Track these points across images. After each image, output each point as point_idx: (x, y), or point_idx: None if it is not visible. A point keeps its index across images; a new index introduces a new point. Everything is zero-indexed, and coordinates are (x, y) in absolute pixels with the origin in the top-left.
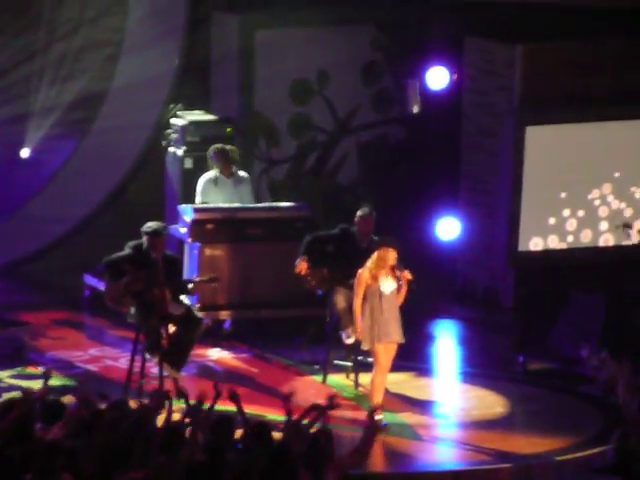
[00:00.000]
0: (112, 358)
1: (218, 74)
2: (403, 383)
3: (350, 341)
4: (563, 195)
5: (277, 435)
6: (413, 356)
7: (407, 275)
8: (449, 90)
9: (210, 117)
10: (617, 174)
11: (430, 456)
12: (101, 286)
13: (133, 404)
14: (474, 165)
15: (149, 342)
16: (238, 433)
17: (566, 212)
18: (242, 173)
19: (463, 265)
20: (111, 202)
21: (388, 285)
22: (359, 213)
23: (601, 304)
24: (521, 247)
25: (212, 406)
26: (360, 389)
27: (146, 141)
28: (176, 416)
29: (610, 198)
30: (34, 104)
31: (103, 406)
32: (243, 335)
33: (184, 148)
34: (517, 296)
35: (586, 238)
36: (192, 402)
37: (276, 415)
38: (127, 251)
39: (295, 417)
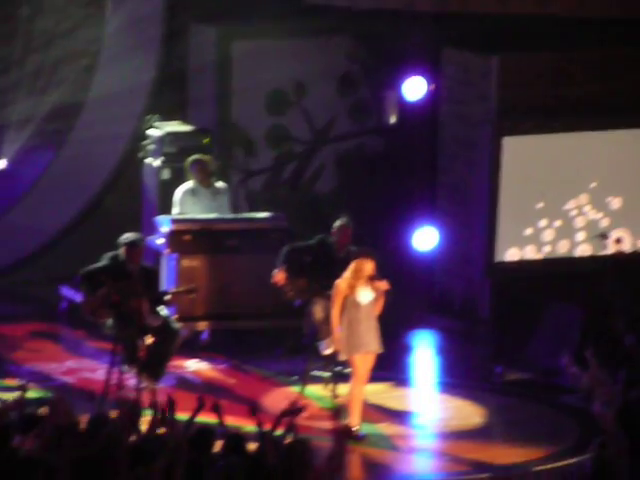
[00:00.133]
0: (89, 370)
1: (195, 85)
2: (381, 393)
3: (328, 352)
4: (540, 205)
5: (253, 446)
6: (391, 366)
7: (384, 285)
8: (426, 101)
9: (187, 128)
10: (593, 184)
11: (408, 467)
12: (78, 297)
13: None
14: (451, 175)
15: (127, 354)
16: (218, 445)
17: (543, 222)
18: (220, 184)
19: (440, 275)
20: (88, 213)
21: (365, 295)
22: (336, 224)
23: (578, 314)
24: (498, 257)
25: (193, 417)
26: (338, 400)
27: (123, 152)
28: (152, 427)
29: (587, 208)
30: (11, 115)
31: (80, 418)
32: (221, 346)
33: (161, 159)
34: (494, 306)
35: (563, 248)
36: (171, 414)
37: (254, 426)
38: (104, 262)
39: (267, 427)
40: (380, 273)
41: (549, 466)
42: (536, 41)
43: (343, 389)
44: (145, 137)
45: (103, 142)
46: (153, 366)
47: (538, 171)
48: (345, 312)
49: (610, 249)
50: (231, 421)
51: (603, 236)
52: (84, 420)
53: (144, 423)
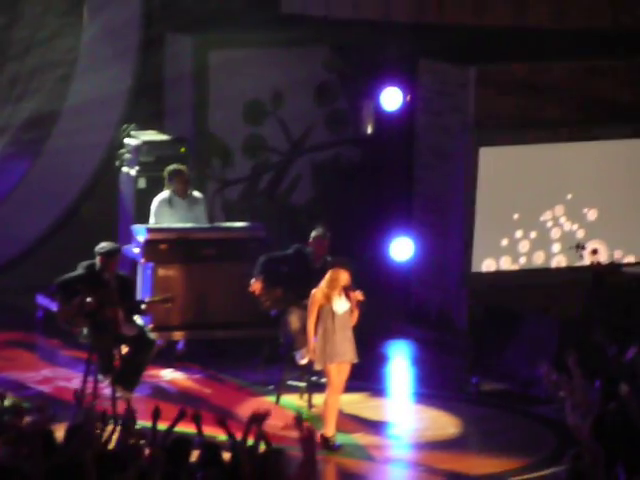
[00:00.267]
0: (65, 379)
1: (172, 94)
2: (357, 403)
3: (304, 361)
4: (516, 216)
5: (227, 456)
6: (367, 376)
7: (358, 296)
8: (403, 111)
9: (164, 137)
10: (569, 196)
11: (383, 477)
12: (54, 306)
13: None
14: (428, 186)
15: (102, 363)
16: (194, 455)
17: (519, 233)
18: (197, 194)
19: (416, 285)
20: (65, 222)
21: (341, 305)
22: (313, 234)
23: (554, 325)
24: (474, 268)
25: (172, 427)
26: (314, 410)
27: (99, 161)
28: (121, 437)
29: (562, 220)
30: None
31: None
32: (196, 356)
33: (137, 168)
34: (470, 317)
35: (538, 260)
36: (146, 424)
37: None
38: (80, 271)
39: (239, 436)
40: (356, 283)
41: (524, 477)
42: (513, 52)
43: (319, 399)
44: (122, 146)
45: (80, 151)
46: (128, 375)
47: (514, 182)
48: (320, 322)
49: (586, 260)
50: (206, 431)
51: (579, 247)
52: (60, 429)
53: (115, 433)
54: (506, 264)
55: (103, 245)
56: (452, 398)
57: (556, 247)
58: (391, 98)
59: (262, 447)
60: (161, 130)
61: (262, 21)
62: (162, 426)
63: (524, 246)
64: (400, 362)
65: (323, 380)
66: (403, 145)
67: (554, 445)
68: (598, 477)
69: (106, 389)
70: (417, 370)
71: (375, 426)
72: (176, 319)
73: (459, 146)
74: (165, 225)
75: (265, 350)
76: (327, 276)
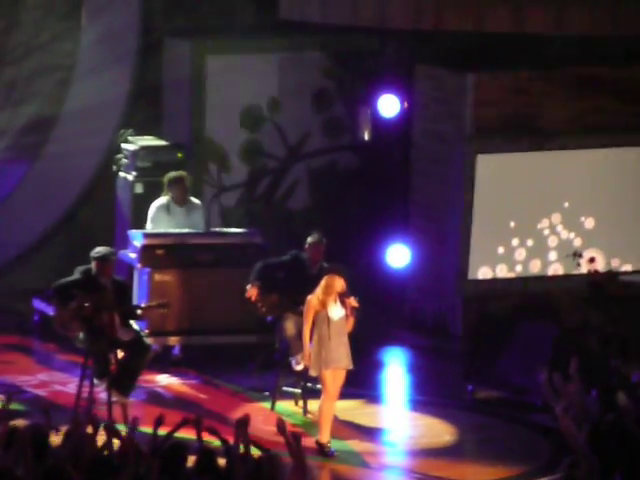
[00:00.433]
0: (61, 383)
1: (169, 99)
2: (352, 410)
3: (299, 367)
4: (512, 224)
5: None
6: (362, 383)
7: (352, 302)
8: (400, 118)
9: (161, 142)
10: (566, 204)
11: None
12: (50, 311)
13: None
14: (424, 193)
15: (98, 367)
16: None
17: (515, 241)
18: (195, 200)
19: (413, 292)
20: (62, 226)
21: (336, 311)
22: (309, 240)
23: (550, 332)
24: (470, 275)
25: (172, 433)
26: (309, 416)
27: (97, 166)
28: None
29: (559, 228)
30: None
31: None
32: (192, 361)
33: (135, 173)
34: (466, 324)
35: (535, 268)
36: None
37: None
38: (76, 276)
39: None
40: (352, 290)
41: None
42: (511, 59)
43: (314, 405)
44: (119, 151)
45: (77, 155)
46: (124, 380)
47: (511, 190)
48: (316, 328)
49: (583, 268)
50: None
51: (577, 255)
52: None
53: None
54: (502, 272)
55: (98, 250)
56: (447, 405)
57: (553, 255)
58: (388, 104)
59: (254, 452)
60: (159, 135)
61: (260, 27)
62: (161, 432)
63: (520, 254)
64: (396, 369)
65: (318, 386)
66: (400, 152)
67: (549, 453)
68: None
69: (102, 393)
70: (413, 377)
71: (370, 433)
72: (172, 324)
73: (456, 153)
74: (162, 230)
75: (260, 356)
76: (322, 282)
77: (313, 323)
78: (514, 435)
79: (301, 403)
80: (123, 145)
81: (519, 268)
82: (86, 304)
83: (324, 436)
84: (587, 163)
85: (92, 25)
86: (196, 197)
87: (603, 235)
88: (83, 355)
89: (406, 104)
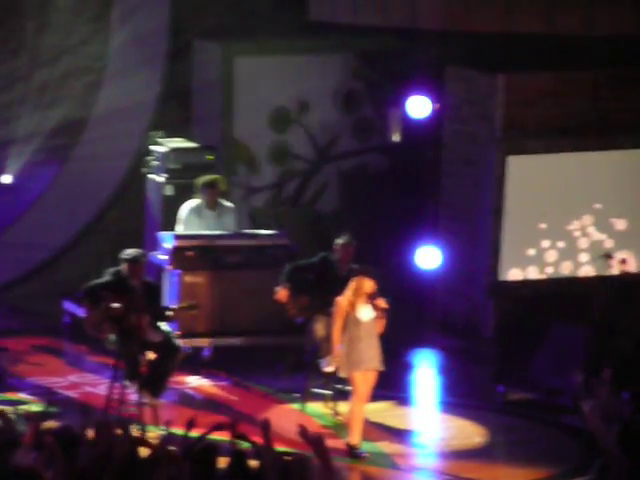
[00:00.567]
0: (91, 385)
1: (199, 101)
2: (382, 412)
3: (329, 369)
4: (543, 226)
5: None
6: (393, 385)
7: (382, 304)
8: (430, 119)
9: (191, 144)
10: (597, 205)
11: None
12: (81, 312)
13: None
14: (455, 194)
15: (128, 369)
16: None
17: (546, 243)
18: (227, 203)
19: (443, 294)
20: (91, 228)
21: (366, 313)
22: (339, 241)
23: (581, 334)
24: (501, 277)
25: (205, 435)
26: (339, 418)
27: (127, 168)
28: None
29: (590, 229)
30: (16, 131)
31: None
32: (222, 362)
33: (165, 175)
34: (497, 326)
35: (566, 269)
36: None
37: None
38: (107, 278)
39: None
40: (382, 291)
41: None
42: (541, 60)
43: (344, 407)
44: (149, 153)
45: (107, 158)
46: (154, 382)
47: (542, 191)
48: (346, 329)
49: (615, 269)
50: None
51: (608, 256)
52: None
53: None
54: (533, 274)
55: (128, 252)
56: (478, 407)
57: (583, 257)
58: (418, 106)
59: (285, 454)
60: (188, 137)
61: (290, 28)
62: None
63: (551, 256)
64: (426, 371)
65: (348, 388)
66: (430, 153)
67: (581, 455)
68: None
69: (133, 395)
70: (443, 379)
71: (401, 435)
72: (202, 326)
73: (487, 154)
74: (192, 232)
75: (290, 357)
76: (352, 284)
77: (343, 325)
78: (545, 437)
79: (331, 405)
80: (153, 147)
81: (550, 270)
82: (116, 306)
83: (354, 438)
84: (618, 164)
85: (122, 27)
86: (225, 199)
87: (635, 236)
88: (114, 357)
89: (437, 105)
